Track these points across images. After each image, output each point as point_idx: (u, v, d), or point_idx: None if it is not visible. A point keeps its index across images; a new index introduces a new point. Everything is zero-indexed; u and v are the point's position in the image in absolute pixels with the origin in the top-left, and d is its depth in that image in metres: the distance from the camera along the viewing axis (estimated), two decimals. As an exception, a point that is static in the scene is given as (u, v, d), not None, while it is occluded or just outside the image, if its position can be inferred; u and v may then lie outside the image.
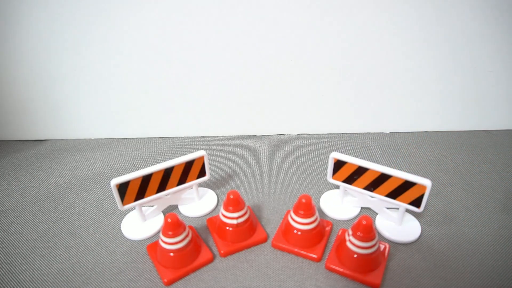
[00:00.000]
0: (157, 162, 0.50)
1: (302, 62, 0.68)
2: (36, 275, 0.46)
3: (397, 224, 0.51)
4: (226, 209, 0.48)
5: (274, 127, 0.76)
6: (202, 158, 0.52)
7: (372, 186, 0.50)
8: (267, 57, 0.67)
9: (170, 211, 0.55)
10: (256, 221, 0.52)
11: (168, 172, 0.50)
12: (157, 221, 0.53)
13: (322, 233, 0.49)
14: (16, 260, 0.48)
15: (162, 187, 0.51)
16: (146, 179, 0.49)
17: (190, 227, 0.50)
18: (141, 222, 0.52)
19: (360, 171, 0.50)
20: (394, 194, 0.49)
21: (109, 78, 0.69)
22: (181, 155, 0.51)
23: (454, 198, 0.58)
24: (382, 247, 0.47)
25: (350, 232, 0.45)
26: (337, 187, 0.55)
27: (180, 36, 0.65)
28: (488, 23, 0.65)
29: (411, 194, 0.47)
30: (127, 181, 0.47)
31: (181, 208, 0.56)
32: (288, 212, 0.52)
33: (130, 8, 0.62)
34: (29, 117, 0.74)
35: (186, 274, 0.45)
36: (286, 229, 0.49)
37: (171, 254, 0.45)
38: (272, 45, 0.66)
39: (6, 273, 0.46)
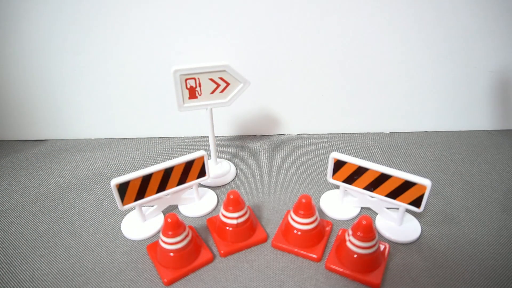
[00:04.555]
0: (157, 162, 0.50)
1: (302, 62, 0.68)
2: (36, 275, 0.46)
3: (397, 224, 0.51)
4: (226, 209, 0.48)
5: (274, 127, 0.76)
6: (202, 158, 0.52)
7: (372, 186, 0.50)
8: (266, 56, 0.67)
9: (170, 211, 0.55)
10: (256, 221, 0.52)
11: (168, 172, 0.50)
12: (157, 221, 0.53)
13: (322, 233, 0.49)
14: (16, 260, 0.48)
15: (162, 187, 0.51)
16: (146, 179, 0.49)
17: (190, 227, 0.50)
18: (141, 222, 0.52)
19: (360, 171, 0.50)
20: (394, 194, 0.49)
21: (109, 78, 0.69)
22: (181, 155, 0.51)
23: (454, 198, 0.58)
24: (382, 247, 0.47)
25: (350, 232, 0.45)
26: (337, 187, 0.55)
27: (181, 37, 0.65)
28: (488, 23, 0.65)
29: (411, 194, 0.47)
30: (127, 181, 0.47)
31: (181, 208, 0.56)
32: (288, 212, 0.52)
33: (130, 9, 0.62)
34: (29, 117, 0.74)
35: (186, 274, 0.45)
36: (286, 229, 0.49)
37: (171, 254, 0.45)
38: (272, 45, 0.66)
39: (6, 273, 0.46)
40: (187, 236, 0.46)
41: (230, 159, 0.69)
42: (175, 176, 0.51)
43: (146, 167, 0.49)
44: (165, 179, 0.51)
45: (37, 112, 0.73)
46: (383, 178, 0.48)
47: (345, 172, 0.51)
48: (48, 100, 0.72)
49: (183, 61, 0.67)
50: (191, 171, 0.53)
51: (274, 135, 0.77)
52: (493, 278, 0.45)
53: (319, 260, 0.47)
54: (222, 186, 0.61)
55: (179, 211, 0.56)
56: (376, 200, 0.52)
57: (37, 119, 0.74)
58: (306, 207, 0.47)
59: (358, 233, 0.43)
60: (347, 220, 0.54)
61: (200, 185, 0.60)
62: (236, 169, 0.66)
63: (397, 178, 0.47)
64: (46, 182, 0.63)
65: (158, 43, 0.65)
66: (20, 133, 0.76)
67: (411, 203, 0.48)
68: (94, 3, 0.61)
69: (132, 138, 0.77)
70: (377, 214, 0.53)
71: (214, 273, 0.46)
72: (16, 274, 0.46)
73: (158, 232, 0.51)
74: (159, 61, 0.67)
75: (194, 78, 0.52)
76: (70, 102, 0.72)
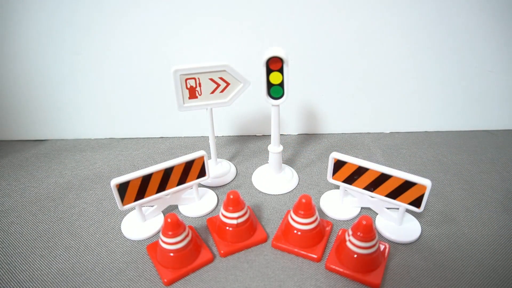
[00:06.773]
0: (157, 162, 0.50)
1: (301, 62, 0.68)
2: (36, 275, 0.46)
3: (397, 224, 0.51)
4: (226, 209, 0.48)
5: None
6: (202, 158, 0.52)
7: (372, 186, 0.50)
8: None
9: (170, 211, 0.55)
10: (256, 221, 0.52)
11: (168, 172, 0.50)
12: (157, 221, 0.53)
13: (322, 233, 0.49)
14: (16, 260, 0.48)
15: (162, 187, 0.51)
16: (146, 179, 0.49)
17: (190, 227, 0.50)
18: (141, 222, 0.52)
19: (360, 171, 0.50)
20: (394, 194, 0.49)
21: (109, 78, 0.69)
22: (181, 155, 0.51)
23: (454, 198, 0.58)
24: (382, 247, 0.47)
25: (350, 232, 0.45)
26: (337, 187, 0.55)
27: (181, 37, 0.65)
28: (488, 23, 0.65)
29: (411, 194, 0.47)
30: (127, 181, 0.47)
31: (181, 208, 0.56)
32: (288, 212, 0.52)
33: (130, 8, 0.62)
34: (29, 117, 0.74)
35: (186, 274, 0.45)
36: (286, 229, 0.49)
37: (171, 254, 0.45)
38: (272, 45, 0.66)
39: (6, 273, 0.46)
40: (187, 236, 0.46)
41: (230, 159, 0.69)
42: (175, 176, 0.51)
43: (146, 167, 0.49)
44: (165, 179, 0.51)
45: (37, 112, 0.73)
46: (383, 178, 0.48)
47: (345, 172, 0.51)
48: (48, 100, 0.72)
49: (183, 61, 0.67)
50: (191, 171, 0.53)
51: (274, 135, 0.77)
52: (493, 278, 0.45)
53: (319, 260, 0.47)
54: (222, 186, 0.61)
55: (179, 211, 0.56)
56: (376, 200, 0.52)
57: (37, 119, 0.74)
58: (306, 207, 0.47)
59: (358, 233, 0.43)
60: (347, 220, 0.54)
61: (200, 185, 0.60)
62: (236, 169, 0.66)
63: (397, 178, 0.47)
64: (46, 182, 0.63)
65: (158, 43, 0.65)
66: (20, 133, 0.76)
67: (411, 203, 0.48)
68: (94, 3, 0.61)
69: (132, 138, 0.77)
70: (377, 214, 0.53)
71: (214, 273, 0.46)
72: (16, 274, 0.46)
73: (158, 232, 0.51)
74: (159, 61, 0.67)
75: (194, 78, 0.52)
76: (70, 102, 0.72)
